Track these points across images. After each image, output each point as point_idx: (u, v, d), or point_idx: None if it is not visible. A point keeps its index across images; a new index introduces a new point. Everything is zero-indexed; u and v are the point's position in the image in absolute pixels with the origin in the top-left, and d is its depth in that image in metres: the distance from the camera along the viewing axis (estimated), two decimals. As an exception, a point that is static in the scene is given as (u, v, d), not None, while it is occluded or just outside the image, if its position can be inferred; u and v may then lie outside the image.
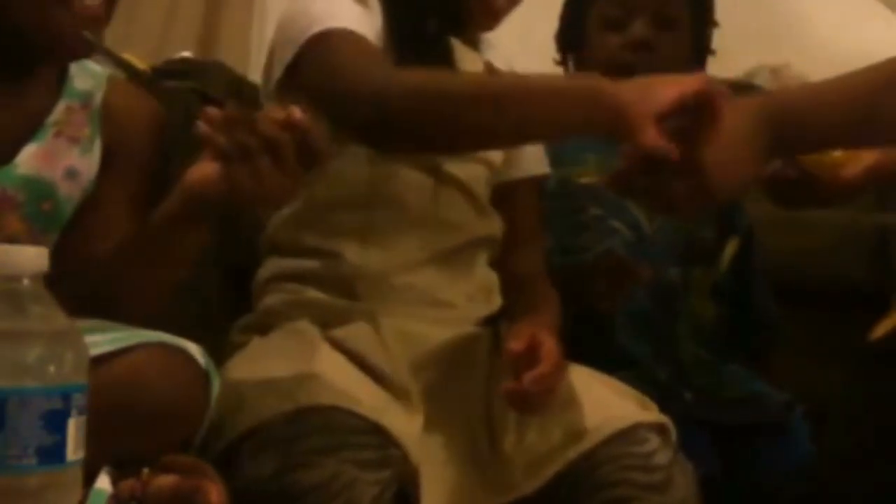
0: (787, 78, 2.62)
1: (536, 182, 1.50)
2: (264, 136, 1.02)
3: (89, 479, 0.94)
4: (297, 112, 1.02)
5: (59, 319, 0.85)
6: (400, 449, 1.14)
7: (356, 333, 1.27)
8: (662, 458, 1.19)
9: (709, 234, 1.65)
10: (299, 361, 1.21)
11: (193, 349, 1.09)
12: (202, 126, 1.03)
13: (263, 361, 1.23)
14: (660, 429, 1.22)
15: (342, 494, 1.09)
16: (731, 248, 1.62)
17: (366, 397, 1.18)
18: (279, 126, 1.02)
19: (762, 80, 2.59)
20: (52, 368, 0.82)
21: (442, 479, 1.19)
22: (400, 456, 1.14)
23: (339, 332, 1.27)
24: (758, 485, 1.45)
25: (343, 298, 1.32)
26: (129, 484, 1.01)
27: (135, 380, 1.02)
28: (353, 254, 1.32)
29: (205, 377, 1.09)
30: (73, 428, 0.83)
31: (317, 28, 1.23)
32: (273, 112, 1.03)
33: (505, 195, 1.45)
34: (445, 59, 1.34)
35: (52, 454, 0.82)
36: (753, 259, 1.69)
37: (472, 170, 1.39)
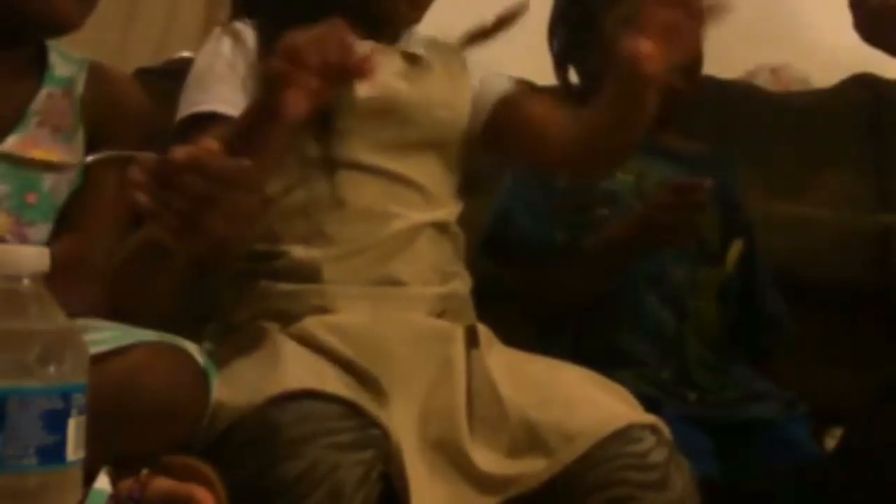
0: (787, 78, 2.62)
1: (519, 88, 1.49)
2: (195, 195, 0.98)
3: (89, 479, 0.94)
4: (218, 162, 0.99)
5: (59, 319, 0.85)
6: (378, 428, 1.14)
7: (315, 326, 1.27)
8: (658, 456, 1.19)
9: (713, 235, 1.65)
10: (264, 359, 1.22)
11: (192, 348, 1.09)
12: (137, 196, 0.99)
13: (230, 366, 1.23)
14: (653, 428, 1.22)
15: (326, 480, 1.08)
16: (735, 249, 1.62)
17: (334, 382, 1.18)
18: (207, 179, 0.98)
19: (762, 80, 2.59)
20: (52, 368, 0.82)
21: (427, 474, 1.19)
22: (380, 435, 1.14)
23: (299, 327, 1.27)
24: (758, 485, 1.44)
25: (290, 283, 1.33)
26: (127, 484, 1.01)
27: (134, 379, 1.02)
28: (299, 252, 1.33)
29: (203, 376, 1.09)
30: (73, 428, 0.83)
31: (187, 110, 1.31)
32: (194, 162, 0.98)
33: (501, 117, 1.44)
34: None
35: (52, 454, 0.82)
36: (757, 259, 1.68)
37: (422, 164, 1.39)
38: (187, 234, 1.00)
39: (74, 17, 1.21)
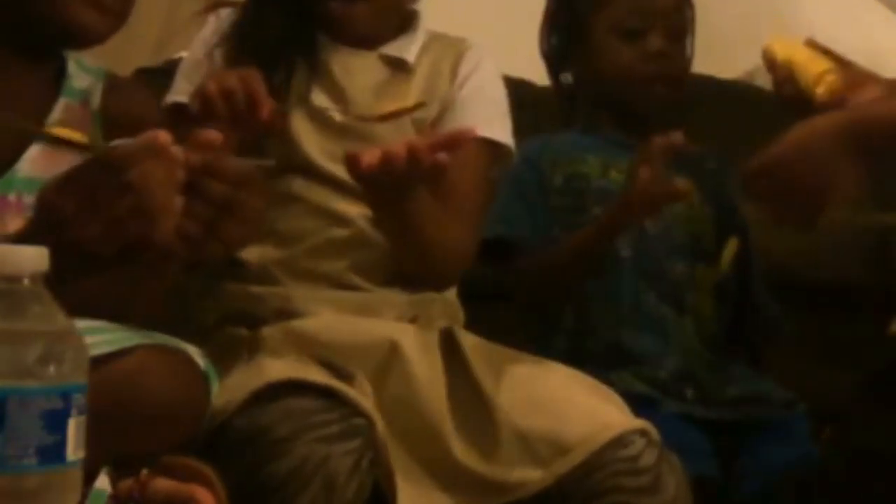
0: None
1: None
2: (216, 200, 0.97)
3: (89, 479, 0.94)
4: (234, 169, 0.98)
5: (59, 319, 0.85)
6: (363, 417, 1.15)
7: (277, 333, 1.28)
8: (649, 458, 1.19)
9: (709, 234, 1.65)
10: (242, 358, 1.23)
11: (192, 351, 1.09)
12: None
13: None
14: (642, 431, 1.21)
15: (318, 473, 1.10)
16: (731, 248, 1.63)
17: (315, 372, 1.19)
18: (226, 182, 0.97)
19: (762, 80, 2.59)
20: (52, 368, 0.82)
21: (412, 478, 1.19)
22: (365, 424, 1.15)
23: (263, 334, 1.28)
24: (757, 484, 1.45)
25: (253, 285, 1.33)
26: (127, 484, 1.01)
27: (134, 381, 1.02)
28: (253, 256, 1.33)
29: (204, 379, 1.09)
30: (73, 428, 0.83)
31: (171, 98, 1.39)
32: (210, 166, 0.97)
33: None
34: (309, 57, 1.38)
35: (52, 454, 0.82)
36: (751, 258, 1.69)
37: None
38: (206, 243, 0.98)
39: (99, 30, 1.21)
